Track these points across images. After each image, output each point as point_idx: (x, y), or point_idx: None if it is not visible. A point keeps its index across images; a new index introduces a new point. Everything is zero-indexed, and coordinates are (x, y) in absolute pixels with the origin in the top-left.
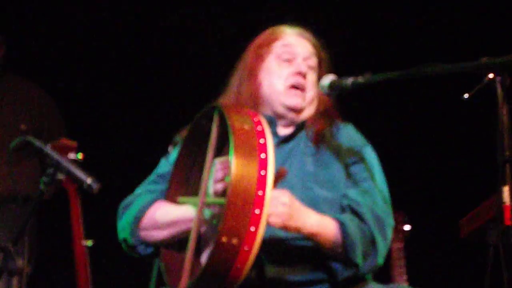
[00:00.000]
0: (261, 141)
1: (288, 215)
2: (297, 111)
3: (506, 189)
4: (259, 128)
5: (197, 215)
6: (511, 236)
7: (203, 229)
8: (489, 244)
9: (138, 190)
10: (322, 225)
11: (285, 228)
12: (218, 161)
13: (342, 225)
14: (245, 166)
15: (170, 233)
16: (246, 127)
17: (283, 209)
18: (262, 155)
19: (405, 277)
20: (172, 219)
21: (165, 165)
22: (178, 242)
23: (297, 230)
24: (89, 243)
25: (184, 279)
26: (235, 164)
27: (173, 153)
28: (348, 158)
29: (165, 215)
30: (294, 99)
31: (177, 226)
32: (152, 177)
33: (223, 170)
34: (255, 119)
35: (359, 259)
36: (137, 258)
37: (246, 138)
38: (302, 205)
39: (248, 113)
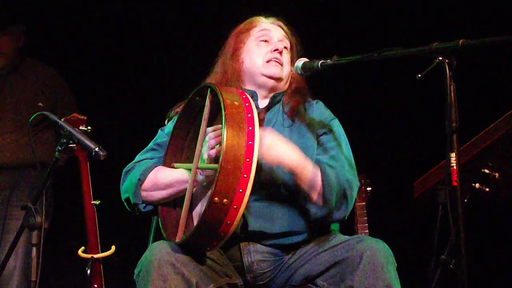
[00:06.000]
0: (249, 115)
1: (268, 147)
2: (276, 79)
3: (453, 155)
4: (246, 104)
5: (192, 178)
6: (456, 195)
7: (195, 189)
8: (439, 203)
9: (139, 157)
10: (303, 162)
11: (267, 159)
12: (211, 129)
13: (322, 167)
14: (235, 137)
15: (168, 193)
16: (236, 103)
17: (264, 141)
18: (250, 128)
19: (367, 230)
20: (170, 181)
21: (162, 135)
22: (173, 201)
23: (278, 162)
24: (97, 202)
25: (180, 234)
26: (227, 135)
27: (169, 125)
28: (319, 130)
29: (163, 178)
30: (273, 69)
31: (174, 187)
32: (150, 145)
33: (216, 139)
34: (243, 96)
35: (333, 201)
36: (137, 215)
37: (236, 112)
38: (287, 142)
39: (237, 91)
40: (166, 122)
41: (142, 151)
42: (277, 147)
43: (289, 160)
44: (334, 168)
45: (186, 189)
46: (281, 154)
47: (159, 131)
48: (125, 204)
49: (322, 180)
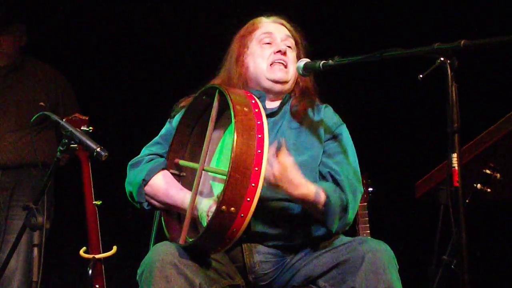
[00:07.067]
0: (258, 122)
1: (275, 185)
2: (282, 83)
3: (454, 156)
4: (256, 110)
5: (196, 180)
6: (458, 196)
7: (201, 188)
8: (440, 203)
9: (145, 151)
10: (309, 195)
11: (274, 190)
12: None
13: (327, 198)
14: (244, 145)
15: (168, 208)
16: (246, 109)
17: (273, 179)
18: (259, 135)
19: (368, 231)
20: (169, 203)
21: (169, 128)
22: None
23: (285, 194)
24: (98, 202)
25: (183, 235)
26: (236, 143)
27: (176, 117)
28: (326, 135)
29: (165, 197)
30: (278, 73)
31: (172, 208)
32: (157, 139)
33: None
34: (253, 101)
35: (334, 225)
36: (139, 215)
37: (246, 119)
38: (295, 176)
39: (246, 94)
40: (172, 115)
41: (148, 144)
42: (283, 186)
43: (294, 195)
44: (339, 175)
45: (184, 210)
46: (287, 192)
47: (167, 123)
48: (129, 197)
49: (325, 209)
